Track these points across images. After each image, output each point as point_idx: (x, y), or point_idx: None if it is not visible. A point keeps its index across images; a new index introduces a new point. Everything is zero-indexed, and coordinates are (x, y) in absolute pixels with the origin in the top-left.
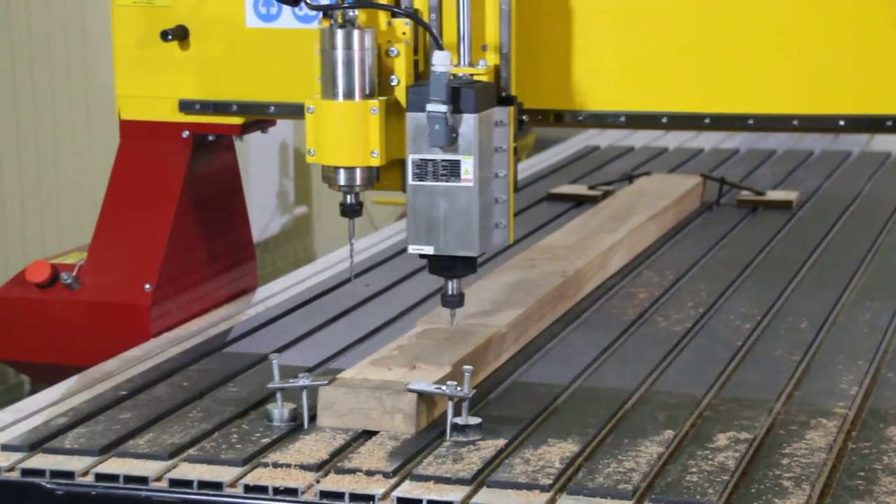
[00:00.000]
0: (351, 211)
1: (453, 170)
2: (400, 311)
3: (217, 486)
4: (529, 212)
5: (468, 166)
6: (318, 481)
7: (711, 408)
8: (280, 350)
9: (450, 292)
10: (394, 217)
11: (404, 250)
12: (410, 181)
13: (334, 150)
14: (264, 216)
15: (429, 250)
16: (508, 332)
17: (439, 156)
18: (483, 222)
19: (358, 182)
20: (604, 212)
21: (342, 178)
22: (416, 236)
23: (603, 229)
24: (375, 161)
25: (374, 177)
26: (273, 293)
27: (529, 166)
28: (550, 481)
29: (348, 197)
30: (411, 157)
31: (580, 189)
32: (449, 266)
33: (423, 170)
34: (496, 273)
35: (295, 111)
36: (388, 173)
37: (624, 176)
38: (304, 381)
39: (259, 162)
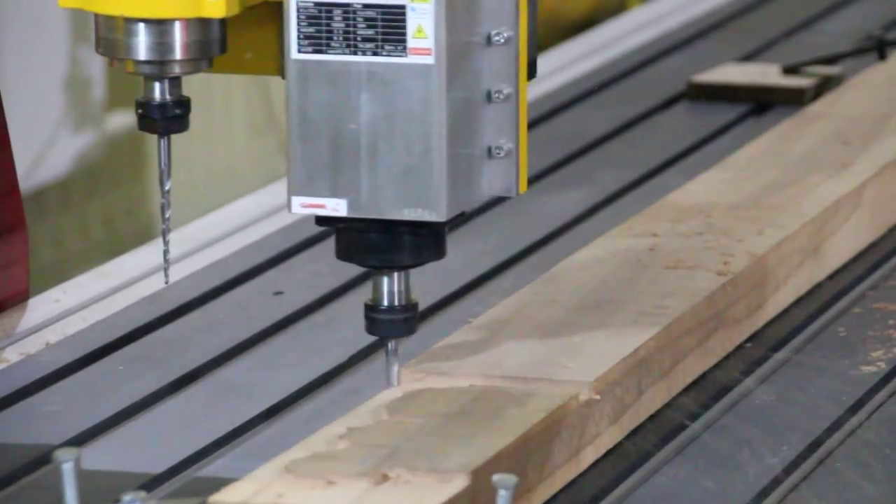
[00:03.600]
0: (164, 120)
1: (391, 27)
2: (354, 348)
3: None
4: (647, 125)
5: (425, 19)
6: None
7: None
8: (80, 439)
9: (385, 301)
10: None
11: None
12: (294, 54)
13: None
14: (41, 133)
15: (338, 209)
16: (600, 399)
17: None
18: (457, 147)
19: (178, 54)
20: (818, 126)
21: (142, 48)
22: (308, 179)
23: (815, 167)
24: (217, 7)
25: (214, 44)
26: (67, 310)
27: (641, 24)
28: None
29: (157, 88)
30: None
31: (763, 74)
32: (382, 244)
33: (321, 27)
34: (573, 266)
35: None
36: (246, 36)
37: (866, 42)
38: None
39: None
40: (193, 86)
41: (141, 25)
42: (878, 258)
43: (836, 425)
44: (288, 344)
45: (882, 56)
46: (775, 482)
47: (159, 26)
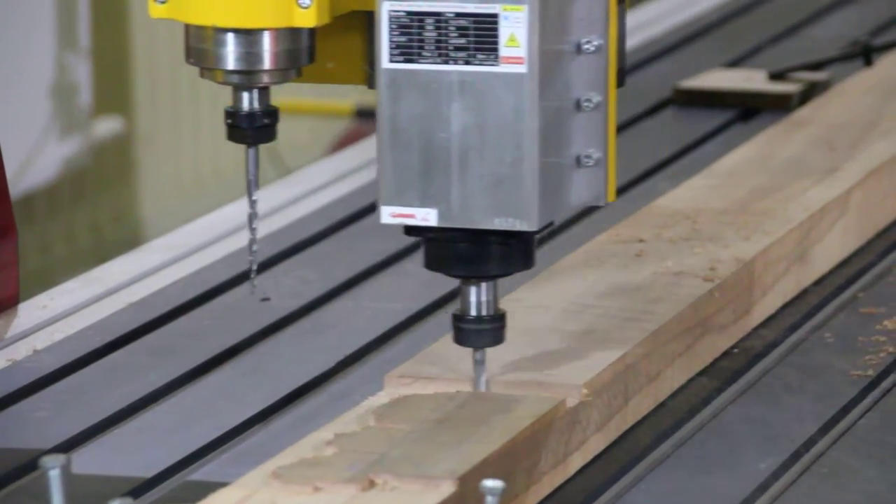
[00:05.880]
0: (253, 129)
1: (483, 36)
2: (341, 354)
3: None
4: (634, 131)
5: (517, 28)
6: None
7: None
8: (69, 444)
9: (472, 311)
10: (324, 146)
11: (356, 220)
12: (385, 63)
13: None
14: (28, 139)
15: (428, 218)
16: (587, 404)
17: (451, 4)
18: (548, 156)
19: (267, 64)
20: (804, 132)
21: (232, 58)
22: (399, 188)
23: (801, 172)
24: (308, 16)
25: (303, 53)
26: (56, 314)
27: (628, 30)
28: None
29: (245, 98)
30: (387, 7)
31: (749, 80)
32: (471, 254)
33: (412, 36)
34: (559, 272)
35: None
36: (331, 46)
37: (852, 48)
38: None
39: (10, 16)
40: (183, 91)
41: (230, 35)
42: (865, 264)
43: (823, 430)
44: (274, 350)
45: (868, 62)
46: (762, 488)
47: (249, 36)
